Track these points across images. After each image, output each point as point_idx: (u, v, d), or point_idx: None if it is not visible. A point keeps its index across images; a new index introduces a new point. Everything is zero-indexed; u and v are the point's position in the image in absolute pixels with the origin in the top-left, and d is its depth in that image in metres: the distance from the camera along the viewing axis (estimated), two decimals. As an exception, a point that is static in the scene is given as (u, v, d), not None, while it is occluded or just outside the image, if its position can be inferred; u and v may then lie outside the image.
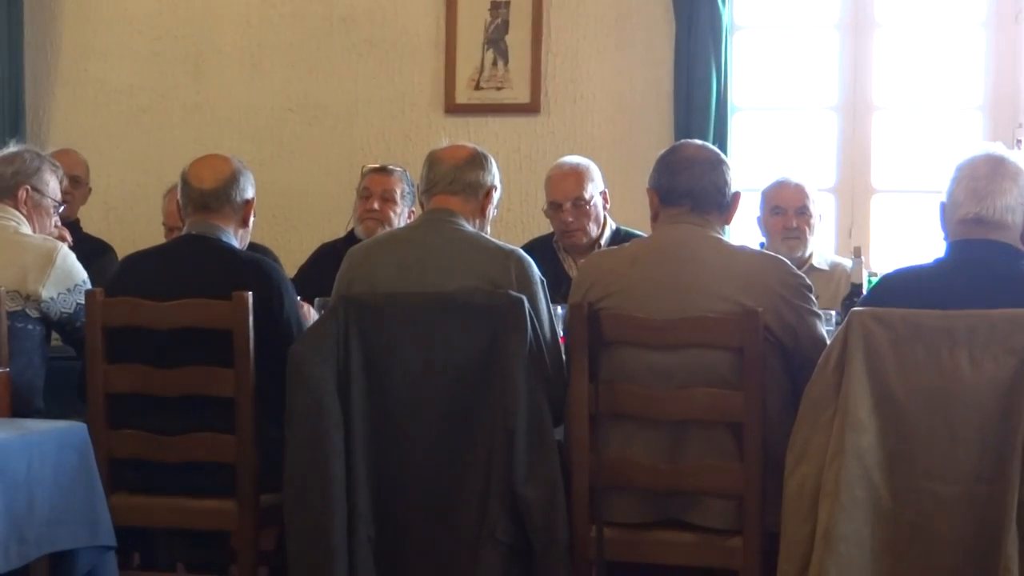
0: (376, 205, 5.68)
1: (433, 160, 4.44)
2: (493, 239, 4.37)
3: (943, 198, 3.88)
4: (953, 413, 3.56)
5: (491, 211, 4.48)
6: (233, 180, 4.54)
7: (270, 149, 6.94)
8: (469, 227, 4.34)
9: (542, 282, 4.26)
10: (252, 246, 4.90)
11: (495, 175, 4.47)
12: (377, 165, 5.86)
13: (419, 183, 4.48)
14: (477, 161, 4.43)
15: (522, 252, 4.30)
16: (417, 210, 5.61)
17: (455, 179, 4.37)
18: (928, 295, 3.68)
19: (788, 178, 5.75)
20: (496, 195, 4.48)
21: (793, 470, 3.73)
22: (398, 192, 5.71)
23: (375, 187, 5.73)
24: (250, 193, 4.60)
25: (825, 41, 6.60)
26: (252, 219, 4.65)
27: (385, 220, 5.63)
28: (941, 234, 3.89)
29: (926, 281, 3.80)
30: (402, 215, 5.70)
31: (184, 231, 4.57)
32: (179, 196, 4.59)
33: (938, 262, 3.85)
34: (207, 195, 4.52)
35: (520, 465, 3.97)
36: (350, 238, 5.73)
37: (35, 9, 7.20)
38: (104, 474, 3.87)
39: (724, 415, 3.95)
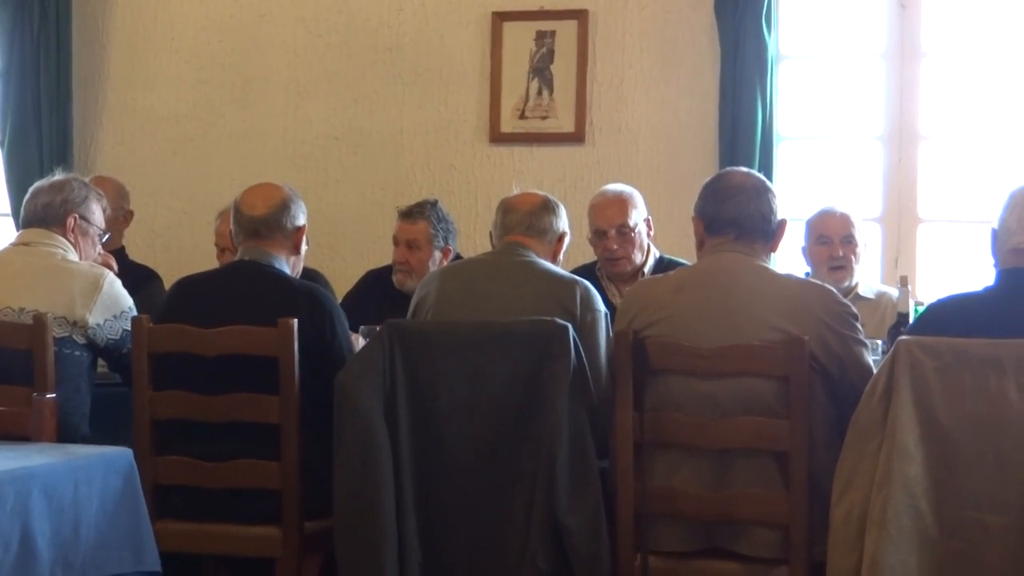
0: (403, 255, 5.68)
1: (507, 207, 4.65)
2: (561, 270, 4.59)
3: (995, 225, 3.86)
4: (1001, 442, 3.53)
5: (561, 258, 4.68)
6: (284, 207, 4.58)
7: (315, 177, 6.96)
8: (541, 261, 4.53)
9: (606, 315, 4.37)
10: (305, 271, 4.92)
11: (566, 221, 4.70)
12: (406, 207, 5.77)
13: (492, 229, 4.67)
14: (549, 207, 4.66)
15: (588, 283, 4.45)
16: (453, 249, 5.65)
17: (530, 225, 4.59)
18: (976, 323, 3.65)
19: (833, 207, 5.74)
20: (567, 241, 4.70)
21: (839, 499, 3.70)
22: (423, 238, 5.66)
23: (401, 235, 5.71)
24: (301, 220, 4.63)
25: (871, 70, 6.58)
26: (305, 247, 4.68)
27: (414, 270, 5.59)
28: (991, 261, 3.86)
29: (974, 309, 3.77)
30: (433, 258, 5.63)
31: (236, 257, 4.61)
32: (231, 223, 4.64)
33: (987, 290, 3.82)
34: (257, 222, 4.55)
35: (562, 493, 3.97)
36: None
37: (83, 38, 7.25)
38: (149, 500, 3.87)
39: (770, 444, 3.94)
